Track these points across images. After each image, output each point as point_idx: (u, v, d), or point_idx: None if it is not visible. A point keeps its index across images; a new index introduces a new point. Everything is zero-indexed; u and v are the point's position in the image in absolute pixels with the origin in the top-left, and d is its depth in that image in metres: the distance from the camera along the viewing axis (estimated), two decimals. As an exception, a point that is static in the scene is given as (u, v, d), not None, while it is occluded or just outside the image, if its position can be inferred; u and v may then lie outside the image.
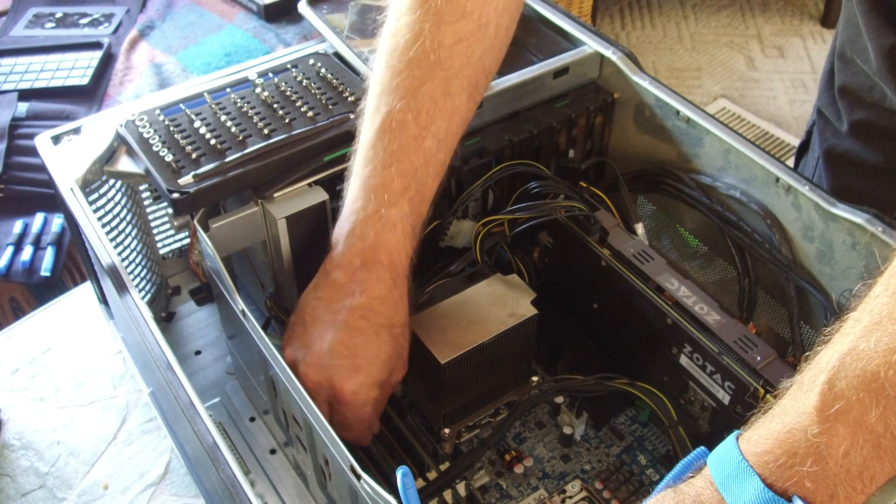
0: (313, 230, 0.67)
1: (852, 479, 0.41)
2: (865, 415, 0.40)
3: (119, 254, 0.68)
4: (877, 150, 0.79)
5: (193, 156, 0.65)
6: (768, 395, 0.57)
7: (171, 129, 0.67)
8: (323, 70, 0.73)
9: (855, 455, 0.41)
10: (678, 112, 0.73)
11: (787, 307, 0.69)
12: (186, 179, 0.63)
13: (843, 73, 0.80)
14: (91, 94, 1.36)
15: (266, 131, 0.67)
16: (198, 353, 0.79)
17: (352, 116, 0.68)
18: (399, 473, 0.50)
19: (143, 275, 0.76)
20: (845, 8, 0.78)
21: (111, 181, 0.70)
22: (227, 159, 0.64)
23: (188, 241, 0.80)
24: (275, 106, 0.69)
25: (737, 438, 0.46)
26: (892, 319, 0.40)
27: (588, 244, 0.69)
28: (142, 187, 0.75)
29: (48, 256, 1.11)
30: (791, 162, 0.86)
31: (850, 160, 0.79)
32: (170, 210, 0.64)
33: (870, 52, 0.74)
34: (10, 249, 1.12)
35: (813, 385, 0.42)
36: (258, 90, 0.71)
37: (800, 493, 0.42)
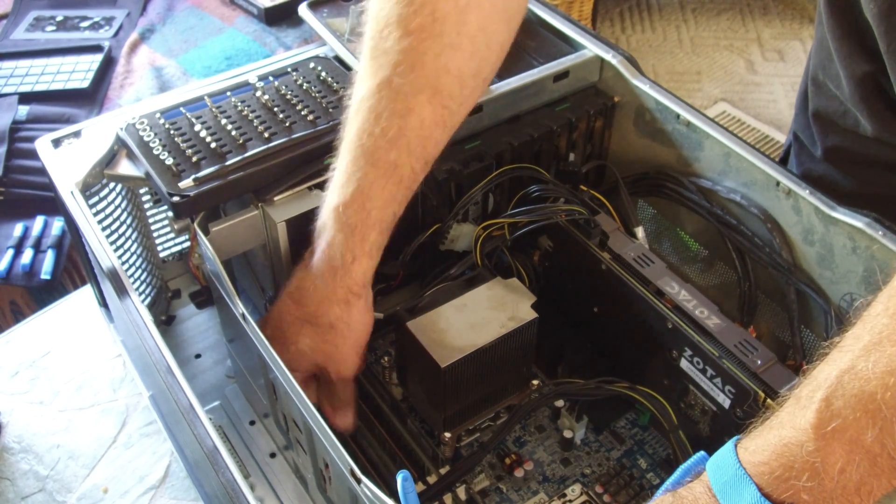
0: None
1: (849, 494, 0.41)
2: (862, 435, 0.40)
3: (119, 257, 0.68)
4: (850, 176, 0.78)
5: (194, 159, 0.65)
6: (769, 400, 0.57)
7: (172, 132, 0.67)
8: (323, 73, 0.73)
9: (851, 472, 0.41)
10: (678, 116, 0.73)
11: (788, 311, 0.69)
12: (187, 183, 0.63)
13: (817, 97, 0.79)
14: (91, 97, 1.36)
15: (266, 135, 0.67)
16: (198, 356, 0.79)
17: (352, 120, 0.68)
18: (399, 477, 0.50)
19: (143, 278, 0.76)
20: (817, 32, 0.77)
21: (111, 184, 0.70)
22: (228, 163, 0.64)
23: (188, 244, 0.80)
24: (275, 109, 0.69)
25: (735, 446, 0.46)
26: (891, 341, 0.40)
27: (588, 248, 0.69)
28: (142, 191, 0.75)
29: (48, 259, 1.11)
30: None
31: (826, 186, 0.79)
32: (170, 213, 0.64)
33: (842, 79, 0.74)
34: (10, 252, 1.11)
35: (810, 401, 0.42)
36: (258, 94, 0.71)
37: None
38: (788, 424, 0.43)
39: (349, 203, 0.60)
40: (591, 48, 0.78)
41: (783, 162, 0.89)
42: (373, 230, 0.60)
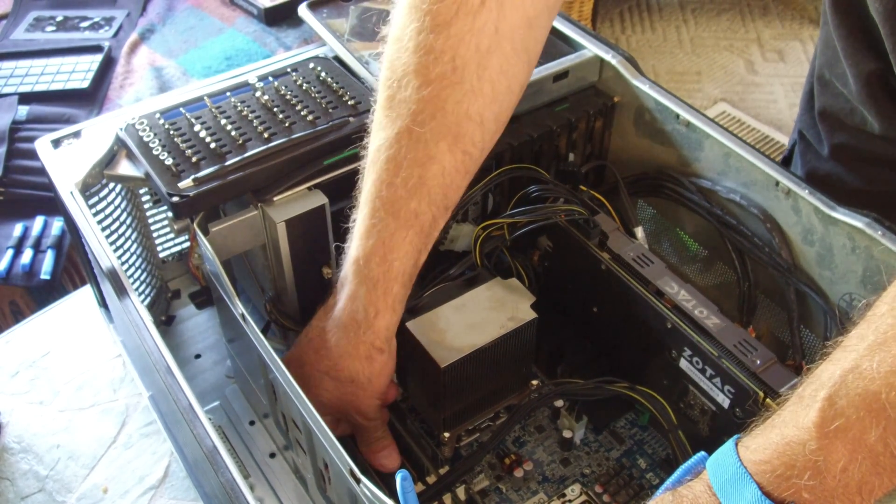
0: (313, 233, 0.67)
1: (850, 493, 0.41)
2: (865, 434, 0.40)
3: (119, 257, 0.68)
4: (857, 174, 0.78)
5: (193, 159, 0.65)
6: (768, 400, 0.57)
7: (172, 132, 0.67)
8: (323, 74, 0.73)
9: (853, 471, 0.41)
10: (678, 116, 0.73)
11: (787, 311, 0.69)
12: (186, 183, 0.63)
13: (823, 96, 0.79)
14: (91, 97, 1.36)
15: (266, 135, 0.67)
16: (197, 356, 0.79)
17: (352, 120, 0.68)
18: (398, 477, 0.50)
19: (142, 278, 0.76)
20: (823, 31, 0.77)
21: (111, 185, 0.70)
22: (227, 163, 0.64)
23: (188, 244, 0.80)
24: (275, 110, 0.69)
25: (736, 444, 0.46)
26: None
27: (588, 248, 0.69)
28: (142, 191, 0.75)
29: (48, 260, 1.11)
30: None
31: (832, 184, 0.79)
32: (170, 214, 0.64)
33: (848, 77, 0.74)
34: (9, 252, 1.11)
35: (813, 400, 0.42)
36: (258, 94, 0.71)
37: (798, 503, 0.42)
38: (791, 423, 0.43)
39: (370, 256, 0.59)
40: (591, 48, 0.78)
41: (787, 160, 0.89)
42: (395, 283, 0.59)
